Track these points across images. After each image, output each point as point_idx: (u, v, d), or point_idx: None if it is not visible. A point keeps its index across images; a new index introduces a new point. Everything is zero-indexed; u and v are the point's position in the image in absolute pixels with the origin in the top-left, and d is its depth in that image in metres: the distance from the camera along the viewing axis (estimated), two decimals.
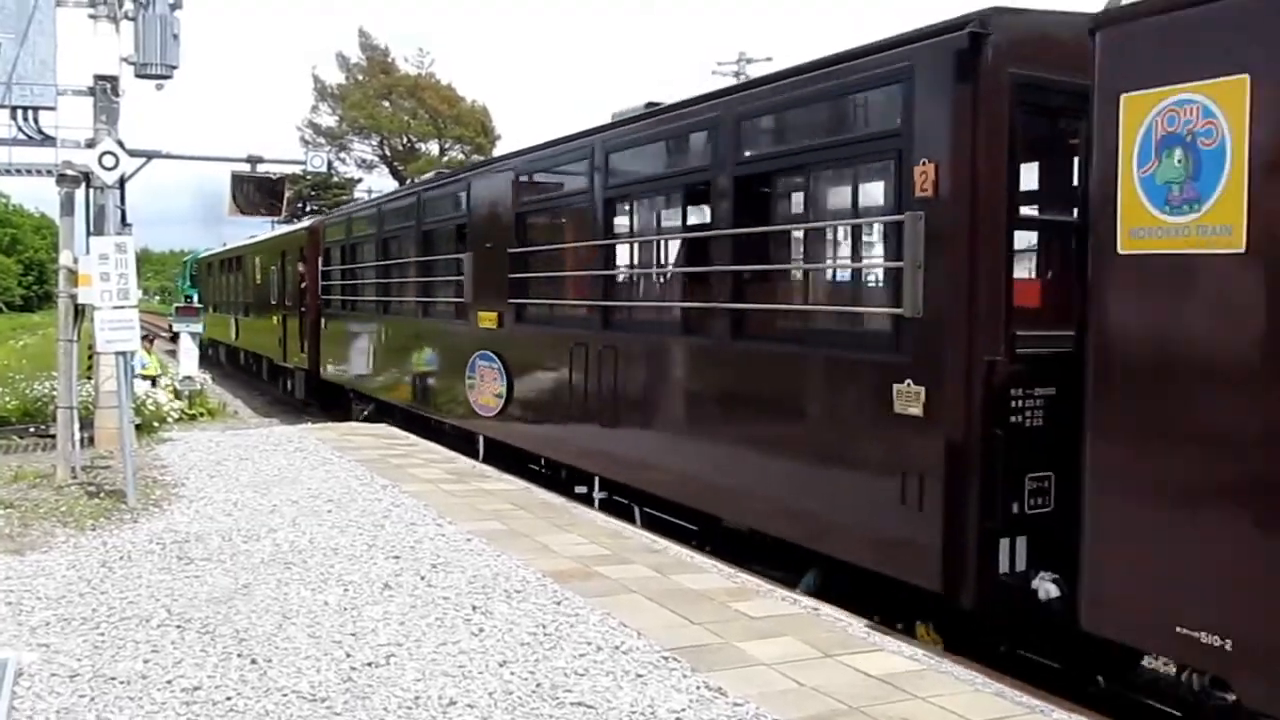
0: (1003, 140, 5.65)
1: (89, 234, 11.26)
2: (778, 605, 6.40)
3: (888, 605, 6.40)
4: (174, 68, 12.15)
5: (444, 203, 13.44)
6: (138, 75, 12.12)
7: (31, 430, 14.25)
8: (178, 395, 17.30)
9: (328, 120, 56.50)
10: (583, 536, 8.09)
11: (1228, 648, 4.38)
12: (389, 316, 15.58)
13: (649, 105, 9.22)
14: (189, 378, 18.76)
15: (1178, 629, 4.55)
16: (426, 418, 14.02)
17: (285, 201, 14.52)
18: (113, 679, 4.96)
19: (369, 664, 5.18)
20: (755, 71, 36.83)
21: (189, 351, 20.14)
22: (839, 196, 7.22)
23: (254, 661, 5.19)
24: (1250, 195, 4.30)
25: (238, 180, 14.02)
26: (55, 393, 11.60)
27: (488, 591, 6.45)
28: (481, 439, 12.19)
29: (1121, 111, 4.80)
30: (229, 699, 4.73)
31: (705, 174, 8.05)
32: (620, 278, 9.75)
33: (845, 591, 6.64)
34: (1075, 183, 6.16)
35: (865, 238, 6.96)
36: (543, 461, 10.97)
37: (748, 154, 7.62)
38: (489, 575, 6.82)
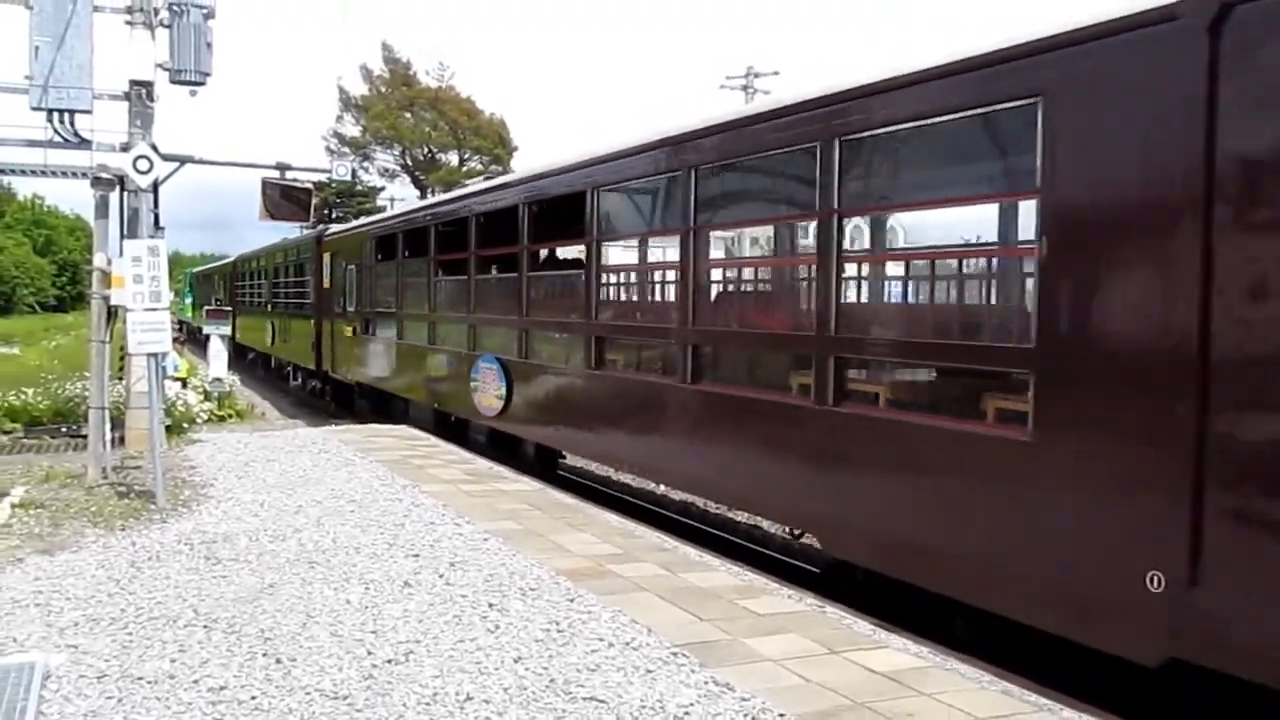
0: (327, 263, 21.57)
1: (122, 236, 11.43)
2: (784, 603, 6.52)
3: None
4: (207, 75, 12.33)
5: (261, 261, 30.90)
6: (172, 81, 12.31)
7: (63, 430, 14.48)
8: (207, 397, 17.53)
9: (352, 130, 57.19)
10: (595, 536, 8.24)
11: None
12: (253, 309, 32.59)
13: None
14: (219, 379, 18.99)
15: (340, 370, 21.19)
16: (256, 350, 32.23)
17: (312, 208, 14.73)
18: (140, 679, 5.03)
19: (389, 661, 5.31)
20: (762, 85, 40.06)
21: (218, 354, 20.36)
22: (310, 267, 23.02)
23: (279, 660, 5.30)
24: (330, 276, 21.74)
25: (268, 187, 14.22)
26: (87, 393, 11.76)
27: (503, 589, 6.59)
28: (272, 359, 29.42)
29: (326, 255, 21.75)
30: (254, 698, 4.82)
31: (295, 260, 25.57)
32: (275, 293, 28.12)
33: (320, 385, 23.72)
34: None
35: (310, 278, 23.28)
36: (276, 361, 29.15)
37: (292, 260, 26.16)
38: (505, 574, 6.97)
